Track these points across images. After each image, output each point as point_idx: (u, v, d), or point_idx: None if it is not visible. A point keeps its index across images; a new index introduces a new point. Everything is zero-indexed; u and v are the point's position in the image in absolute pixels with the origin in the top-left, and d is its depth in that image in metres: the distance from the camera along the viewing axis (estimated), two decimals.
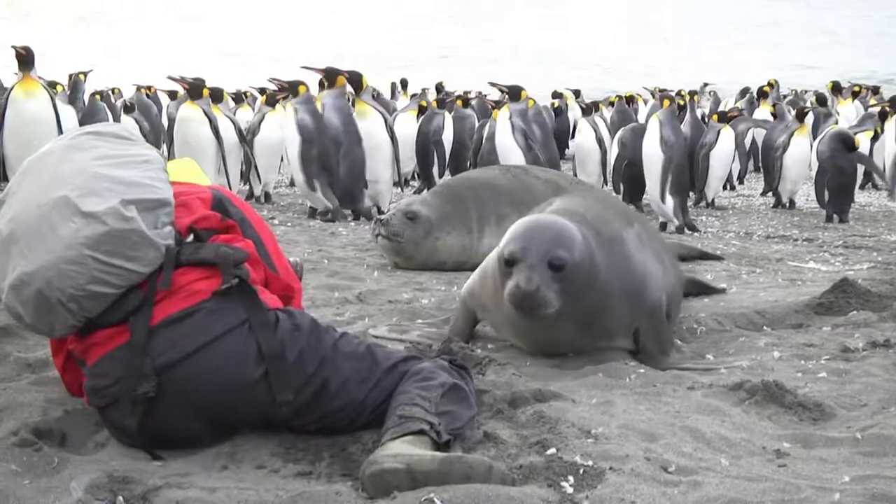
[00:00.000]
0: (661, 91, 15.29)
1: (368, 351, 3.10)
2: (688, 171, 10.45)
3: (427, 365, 3.11)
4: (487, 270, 4.29)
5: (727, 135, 11.42)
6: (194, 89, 10.13)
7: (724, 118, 11.71)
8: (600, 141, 12.03)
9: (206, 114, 10.03)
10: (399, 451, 2.70)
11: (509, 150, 9.74)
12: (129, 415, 2.85)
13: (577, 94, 19.86)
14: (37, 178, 2.89)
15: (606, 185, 11.78)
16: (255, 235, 3.20)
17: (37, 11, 59.15)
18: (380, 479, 2.63)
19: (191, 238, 3.03)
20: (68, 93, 10.22)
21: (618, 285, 4.02)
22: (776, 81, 17.64)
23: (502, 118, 9.92)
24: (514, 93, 10.01)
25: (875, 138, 12.76)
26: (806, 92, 20.31)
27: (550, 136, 10.89)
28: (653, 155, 9.86)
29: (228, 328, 2.89)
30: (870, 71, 47.02)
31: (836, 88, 17.55)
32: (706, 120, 12.83)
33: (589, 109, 13.16)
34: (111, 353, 2.88)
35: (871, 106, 15.03)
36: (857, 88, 18.17)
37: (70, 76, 10.88)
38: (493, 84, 11.16)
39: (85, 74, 14.53)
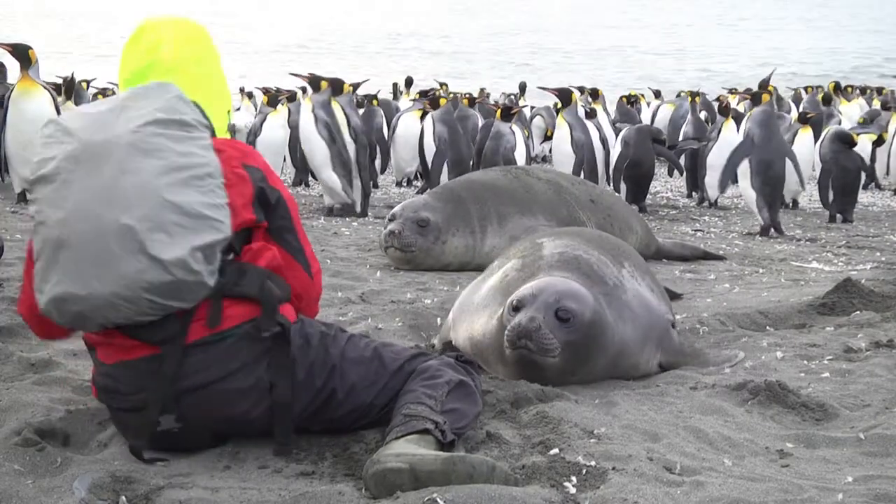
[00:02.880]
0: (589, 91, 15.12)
1: (375, 354, 3.07)
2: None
3: (433, 363, 3.10)
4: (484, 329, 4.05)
5: (728, 133, 11.42)
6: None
7: (725, 115, 11.71)
8: (603, 141, 12.03)
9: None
10: (402, 450, 2.70)
11: (311, 141, 9.73)
12: (140, 427, 2.83)
13: (581, 90, 19.83)
14: (95, 177, 2.69)
15: (609, 184, 11.77)
16: (292, 226, 3.02)
17: None
18: (383, 479, 2.63)
19: (230, 256, 2.90)
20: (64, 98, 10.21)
21: (631, 334, 3.95)
22: (774, 88, 17.64)
23: (305, 109, 9.97)
24: (314, 83, 10.03)
25: (878, 142, 12.75)
26: (809, 88, 20.26)
27: (459, 135, 10.92)
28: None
29: (249, 361, 2.85)
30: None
31: (838, 88, 17.54)
32: (707, 121, 12.83)
33: (593, 113, 13.16)
34: (133, 361, 2.82)
35: (887, 108, 15.02)
36: (862, 88, 18.18)
37: (65, 79, 10.83)
38: (293, 74, 10.97)
39: (87, 83, 14.47)
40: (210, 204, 2.74)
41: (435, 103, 11.50)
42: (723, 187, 11.22)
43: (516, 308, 3.70)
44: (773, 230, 9.37)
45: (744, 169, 9.42)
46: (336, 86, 9.98)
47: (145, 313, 2.72)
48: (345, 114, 9.80)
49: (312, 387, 2.93)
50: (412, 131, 12.50)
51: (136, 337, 2.79)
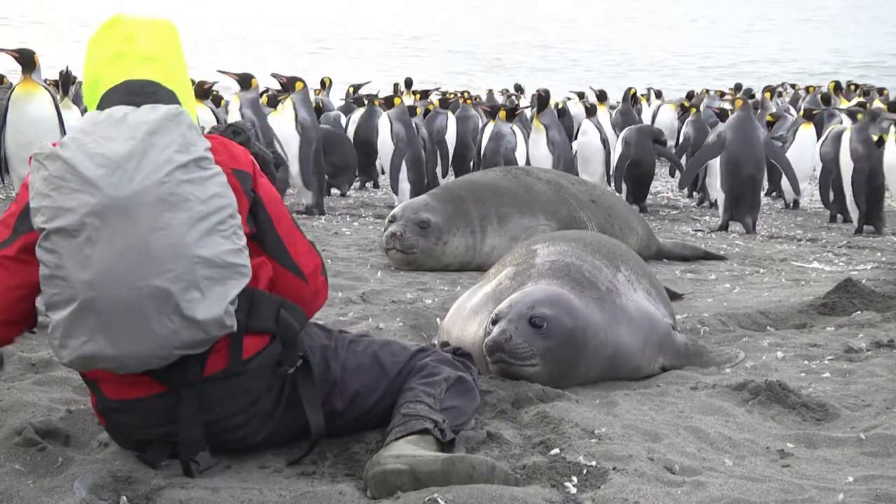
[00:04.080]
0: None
1: (375, 360, 3.04)
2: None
3: (430, 360, 3.09)
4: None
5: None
6: (199, 88, 10.14)
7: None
8: (604, 141, 12.04)
9: (213, 113, 10.05)
10: (402, 451, 2.70)
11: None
12: (159, 454, 2.81)
13: (580, 95, 19.85)
14: (124, 237, 2.56)
15: (609, 184, 11.78)
16: (272, 229, 2.86)
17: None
18: (383, 480, 2.63)
19: None
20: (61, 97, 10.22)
21: (627, 337, 3.95)
22: (771, 93, 17.69)
23: (234, 109, 9.99)
24: (244, 80, 10.05)
25: (878, 143, 12.73)
26: (811, 88, 20.27)
27: (415, 133, 10.86)
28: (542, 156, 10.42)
29: (263, 390, 2.82)
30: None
31: (838, 88, 17.52)
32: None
33: (593, 110, 13.16)
34: (147, 399, 2.76)
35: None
36: (864, 88, 18.17)
37: (61, 73, 10.82)
38: (221, 71, 10.81)
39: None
40: (234, 250, 2.65)
41: (390, 102, 11.44)
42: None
43: (494, 321, 3.75)
44: (729, 226, 9.62)
45: (714, 168, 9.72)
46: (290, 84, 9.99)
47: (170, 359, 2.68)
48: (294, 110, 9.75)
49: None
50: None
51: (149, 375, 2.72)
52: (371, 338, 3.20)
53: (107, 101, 2.78)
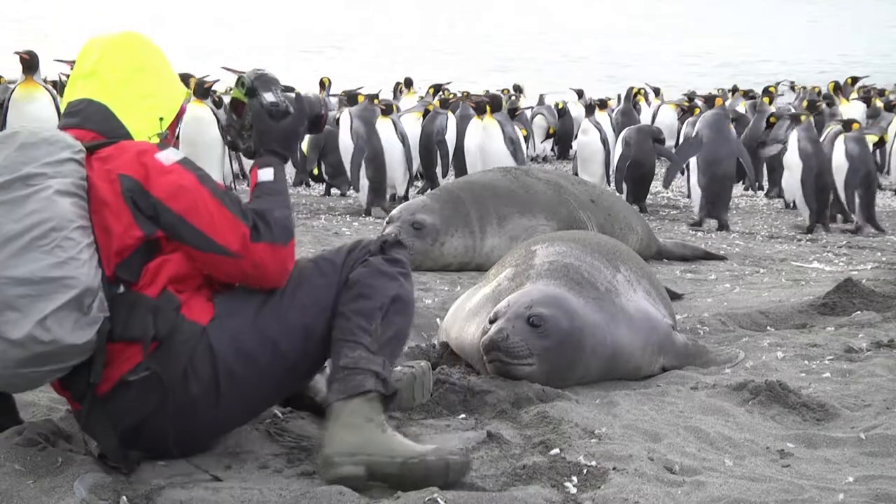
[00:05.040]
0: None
1: (302, 312, 2.85)
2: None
3: (362, 272, 2.89)
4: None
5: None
6: (199, 87, 10.11)
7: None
8: (605, 141, 12.03)
9: (213, 113, 10.02)
10: (352, 440, 2.69)
11: None
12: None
13: (580, 94, 19.86)
14: None
15: (609, 184, 11.77)
16: (181, 221, 2.76)
17: None
18: (339, 483, 2.67)
19: (122, 289, 2.73)
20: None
21: (627, 337, 3.95)
22: (775, 88, 17.67)
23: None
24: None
25: (879, 144, 12.72)
26: (811, 88, 20.27)
27: (375, 131, 10.80)
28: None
29: (174, 387, 2.75)
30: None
31: (837, 88, 17.51)
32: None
33: (592, 109, 13.16)
34: (76, 412, 2.83)
35: (893, 107, 15.00)
36: (864, 87, 18.16)
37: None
38: (225, 68, 10.88)
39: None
40: (55, 263, 2.57)
41: (353, 100, 11.42)
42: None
43: (492, 321, 3.75)
44: (703, 224, 9.81)
45: (692, 166, 9.93)
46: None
47: (38, 382, 2.70)
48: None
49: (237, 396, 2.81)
50: (412, 132, 12.49)
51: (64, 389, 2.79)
52: (300, 272, 2.93)
53: (59, 124, 2.92)
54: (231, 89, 3.40)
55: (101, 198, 2.71)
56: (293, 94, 3.06)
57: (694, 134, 10.04)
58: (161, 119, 2.98)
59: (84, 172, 2.71)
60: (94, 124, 2.85)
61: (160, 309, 2.74)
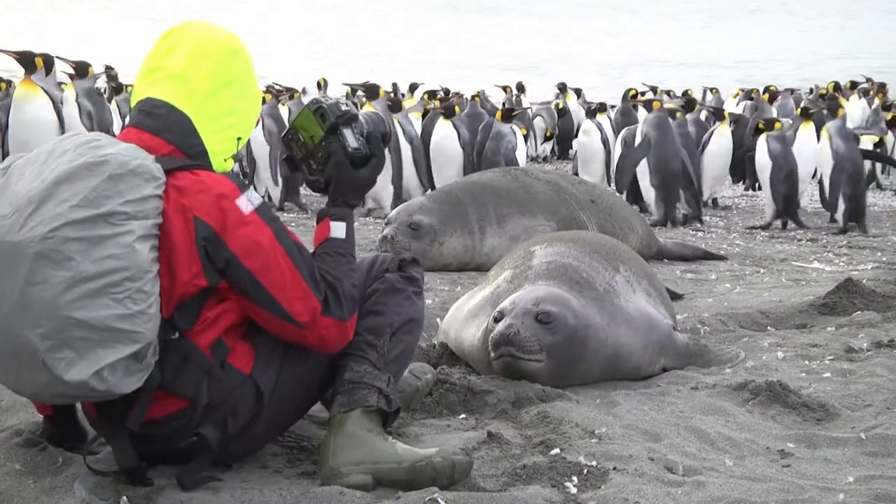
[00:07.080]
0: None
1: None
2: None
3: (377, 288, 2.92)
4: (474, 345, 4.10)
5: (722, 134, 11.45)
6: None
7: (721, 117, 11.72)
8: (605, 141, 12.03)
9: None
10: (357, 449, 2.70)
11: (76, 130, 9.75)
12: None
13: (578, 92, 19.88)
14: (3, 280, 2.49)
15: (609, 184, 11.76)
16: (252, 280, 2.65)
17: None
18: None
19: (175, 335, 2.64)
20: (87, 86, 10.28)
21: (627, 337, 3.95)
22: (776, 88, 17.67)
23: (69, 97, 9.98)
24: (80, 69, 10.09)
25: (879, 144, 12.72)
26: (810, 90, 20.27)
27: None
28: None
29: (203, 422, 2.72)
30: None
31: (838, 88, 17.51)
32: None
33: (593, 111, 13.16)
34: (95, 420, 2.76)
35: (889, 106, 14.99)
36: (865, 86, 18.15)
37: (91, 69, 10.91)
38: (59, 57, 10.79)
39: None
40: (123, 315, 2.48)
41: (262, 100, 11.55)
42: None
43: (497, 319, 3.75)
44: (669, 223, 10.08)
45: (643, 169, 10.29)
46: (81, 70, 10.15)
47: (82, 399, 2.64)
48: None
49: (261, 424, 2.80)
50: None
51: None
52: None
53: (131, 115, 2.73)
54: (291, 105, 3.20)
55: (173, 238, 2.59)
56: (366, 129, 2.87)
57: (641, 137, 10.38)
58: (239, 139, 2.81)
59: (162, 207, 2.57)
60: (173, 136, 2.67)
61: (213, 373, 2.66)
